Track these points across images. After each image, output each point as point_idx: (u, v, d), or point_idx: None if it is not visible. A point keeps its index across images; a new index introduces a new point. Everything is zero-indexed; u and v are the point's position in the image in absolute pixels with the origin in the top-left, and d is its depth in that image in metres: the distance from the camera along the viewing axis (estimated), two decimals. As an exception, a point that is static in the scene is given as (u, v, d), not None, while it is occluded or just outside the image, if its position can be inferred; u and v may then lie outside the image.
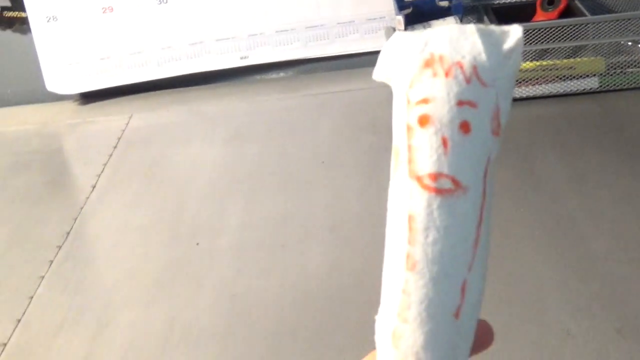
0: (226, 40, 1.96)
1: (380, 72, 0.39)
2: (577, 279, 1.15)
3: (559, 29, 1.63)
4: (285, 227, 1.38)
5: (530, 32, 1.63)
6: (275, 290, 1.22)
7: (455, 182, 0.35)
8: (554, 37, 1.63)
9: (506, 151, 1.52)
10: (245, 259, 1.31)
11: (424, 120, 0.35)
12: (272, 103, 1.89)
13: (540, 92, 1.63)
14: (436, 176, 0.35)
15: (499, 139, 0.36)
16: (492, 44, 0.36)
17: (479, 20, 1.84)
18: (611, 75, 1.63)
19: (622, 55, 1.68)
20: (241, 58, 1.97)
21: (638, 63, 1.65)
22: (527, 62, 1.64)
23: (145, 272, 1.31)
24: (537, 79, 1.64)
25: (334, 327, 1.14)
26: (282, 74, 2.01)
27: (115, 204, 1.53)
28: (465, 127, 0.35)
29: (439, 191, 0.35)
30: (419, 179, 0.35)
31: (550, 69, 1.63)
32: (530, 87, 1.63)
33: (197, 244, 1.37)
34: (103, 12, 1.92)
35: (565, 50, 1.67)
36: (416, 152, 0.35)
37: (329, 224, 1.36)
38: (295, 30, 1.94)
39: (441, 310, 0.35)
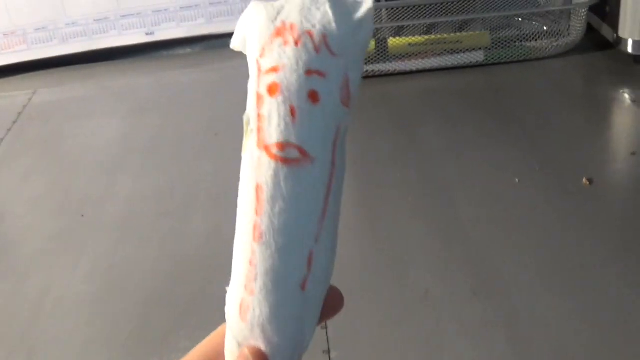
0: (131, 16, 1.91)
1: (236, 41, 0.38)
2: (441, 242, 1.15)
3: (448, 3, 1.62)
4: (170, 197, 1.35)
5: (420, 7, 1.62)
6: (152, 260, 1.20)
7: (302, 151, 0.34)
8: (443, 11, 1.63)
9: (388, 121, 1.52)
10: (127, 230, 1.28)
11: (273, 89, 0.34)
12: (176, 78, 1.85)
13: (429, 65, 1.63)
14: (283, 145, 0.34)
15: (349, 110, 0.35)
16: (343, 13, 0.35)
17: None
18: (496, 48, 1.64)
19: (509, 29, 1.69)
20: (147, 34, 1.93)
21: (523, 37, 1.65)
22: (416, 37, 1.64)
23: (26, 243, 1.27)
24: (425, 52, 1.63)
25: (208, 296, 1.12)
26: (189, 50, 1.97)
27: (8, 178, 1.48)
28: (313, 96, 0.34)
29: (285, 161, 0.34)
30: (266, 148, 0.34)
31: (438, 43, 1.62)
32: (419, 60, 1.63)
33: (82, 215, 1.33)
34: (5, -12, 1.85)
35: (455, 24, 1.67)
36: (265, 121, 0.34)
37: (213, 193, 1.34)
38: (199, 6, 1.91)
39: (287, 281, 0.34)
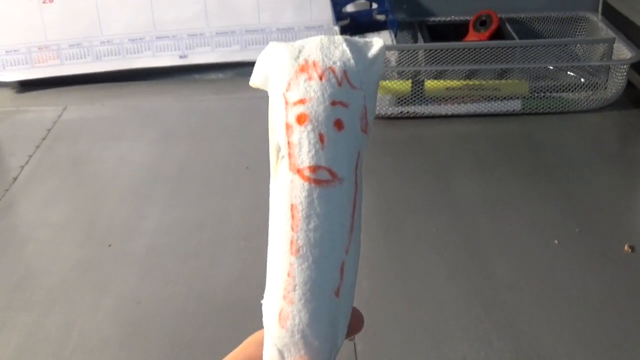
0: (166, 38, 1.84)
1: (257, 78, 0.41)
2: (479, 306, 1.07)
3: (487, 50, 1.55)
4: (199, 233, 1.28)
5: (461, 52, 1.55)
6: (179, 300, 1.13)
7: (332, 173, 0.37)
8: (482, 58, 1.56)
9: (421, 165, 1.44)
10: (154, 265, 1.20)
11: (302, 119, 0.37)
12: (206, 104, 1.78)
13: (465, 110, 1.55)
14: (315, 168, 0.37)
15: (367, 136, 0.39)
16: (358, 52, 0.39)
17: (414, 36, 1.76)
18: (534, 98, 1.56)
19: (546, 79, 1.61)
20: (180, 57, 1.86)
21: (560, 88, 1.58)
22: (455, 81, 1.57)
23: (51, 273, 1.20)
24: (463, 97, 1.56)
25: (236, 342, 1.04)
26: (220, 75, 1.90)
27: (33, 199, 1.41)
28: (339, 124, 0.37)
29: (318, 182, 0.37)
30: (299, 172, 0.37)
31: (477, 89, 1.55)
32: (456, 105, 1.55)
33: (109, 245, 1.26)
34: (43, 2, 1.78)
35: (493, 71, 1.60)
36: (295, 148, 0.37)
37: (244, 232, 1.27)
38: (235, 32, 1.84)
39: (323, 290, 0.37)
